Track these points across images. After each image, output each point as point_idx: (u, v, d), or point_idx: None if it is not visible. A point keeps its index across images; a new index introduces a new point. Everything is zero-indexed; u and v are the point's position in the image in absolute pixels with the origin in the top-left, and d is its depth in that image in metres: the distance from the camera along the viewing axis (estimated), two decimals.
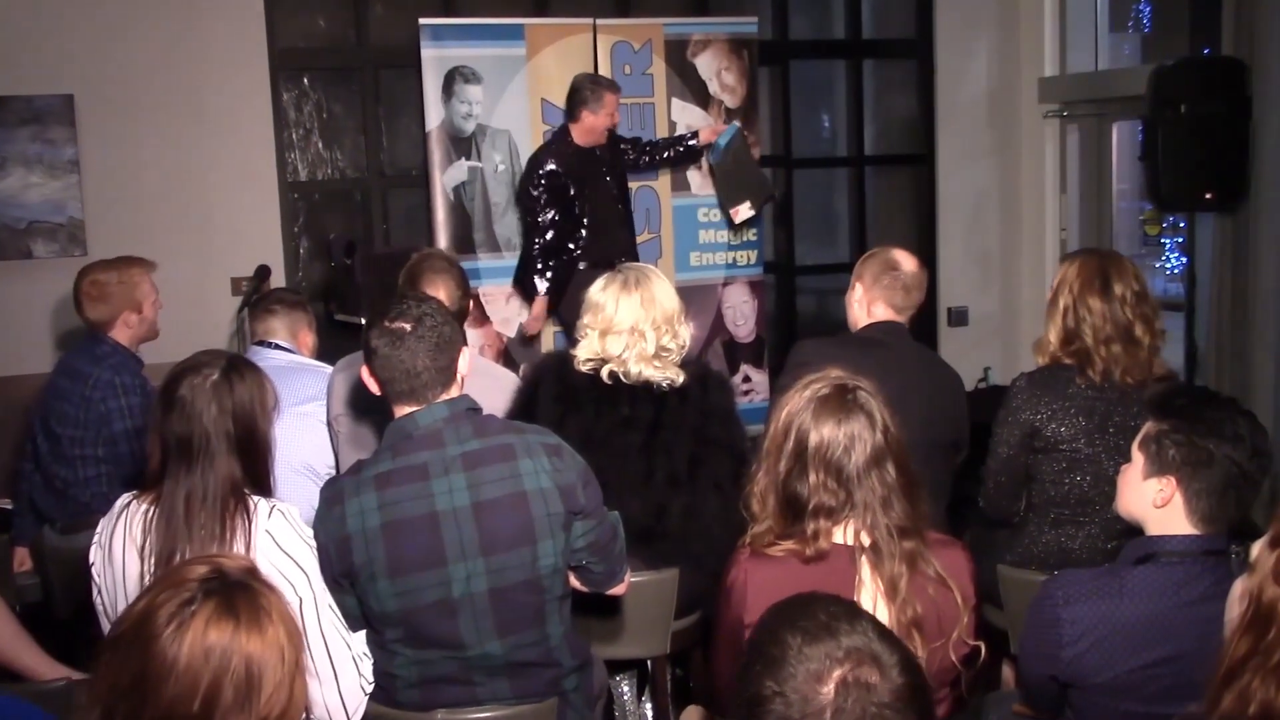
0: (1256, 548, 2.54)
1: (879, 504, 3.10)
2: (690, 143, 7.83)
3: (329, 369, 4.87)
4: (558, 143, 7.38)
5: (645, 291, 4.41)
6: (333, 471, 4.62)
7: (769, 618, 2.08)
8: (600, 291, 4.48)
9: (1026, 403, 4.42)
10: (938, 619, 3.08)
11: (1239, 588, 2.72)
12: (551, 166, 7.23)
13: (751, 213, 7.95)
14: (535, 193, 7.26)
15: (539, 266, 7.38)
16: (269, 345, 5.07)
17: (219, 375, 3.43)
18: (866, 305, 4.79)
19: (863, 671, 1.92)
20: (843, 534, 3.13)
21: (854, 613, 2.03)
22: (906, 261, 4.78)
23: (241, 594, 2.24)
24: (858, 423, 3.11)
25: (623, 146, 7.66)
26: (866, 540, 3.10)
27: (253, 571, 2.32)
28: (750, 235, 8.42)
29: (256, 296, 5.40)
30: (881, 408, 3.16)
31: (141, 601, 2.24)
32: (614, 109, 7.27)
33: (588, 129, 7.29)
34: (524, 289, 7.61)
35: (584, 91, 7.28)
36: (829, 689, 1.91)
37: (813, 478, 3.11)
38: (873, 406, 3.15)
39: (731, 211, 7.98)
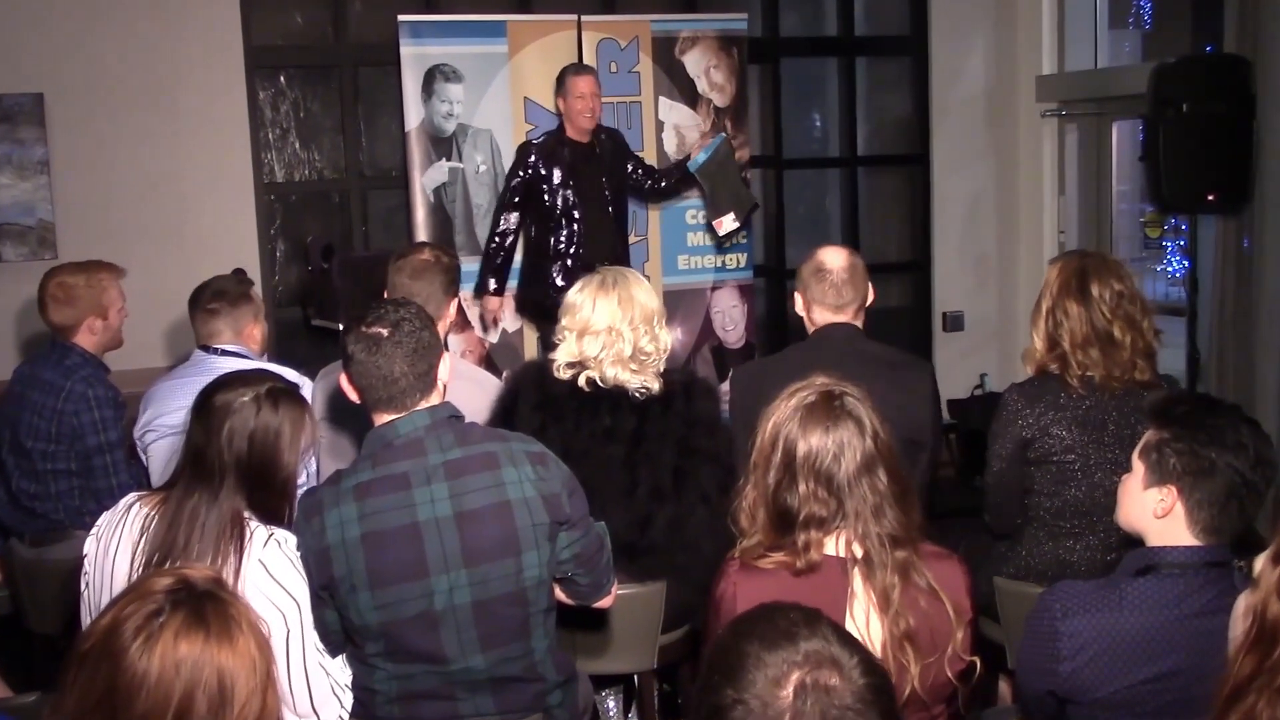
0: (1260, 562, 2.53)
1: (871, 512, 3.10)
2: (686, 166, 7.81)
3: (291, 374, 4.84)
4: (547, 136, 7.39)
5: (623, 291, 4.42)
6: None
7: (727, 631, 2.09)
8: (577, 293, 4.49)
9: (1017, 414, 4.43)
10: (930, 632, 3.08)
11: (1242, 604, 2.71)
12: (532, 159, 7.27)
13: (736, 225, 7.90)
14: (510, 184, 7.35)
15: (496, 263, 7.40)
16: (213, 351, 4.96)
17: (251, 398, 3.40)
18: (807, 312, 4.82)
19: (822, 674, 1.93)
20: (834, 545, 3.13)
21: (813, 618, 2.04)
22: (833, 258, 4.75)
23: (210, 604, 2.24)
24: (846, 430, 3.11)
25: (633, 169, 7.66)
26: (859, 551, 3.10)
27: (219, 582, 2.33)
28: (740, 238, 8.40)
29: (195, 288, 5.13)
30: (870, 413, 3.16)
31: (107, 615, 2.24)
32: (586, 91, 7.26)
33: (568, 118, 7.33)
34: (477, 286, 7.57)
35: (559, 79, 7.36)
36: (788, 692, 1.92)
37: (802, 488, 3.11)
38: (861, 412, 3.15)
39: (715, 223, 7.93)
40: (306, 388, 4.85)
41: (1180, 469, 3.12)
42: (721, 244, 8.29)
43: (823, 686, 1.92)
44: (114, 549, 3.43)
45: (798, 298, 4.86)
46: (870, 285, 4.81)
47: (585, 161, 7.34)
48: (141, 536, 3.37)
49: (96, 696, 2.17)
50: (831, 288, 4.70)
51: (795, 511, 3.12)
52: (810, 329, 4.83)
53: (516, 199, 7.30)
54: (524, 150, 7.36)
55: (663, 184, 7.79)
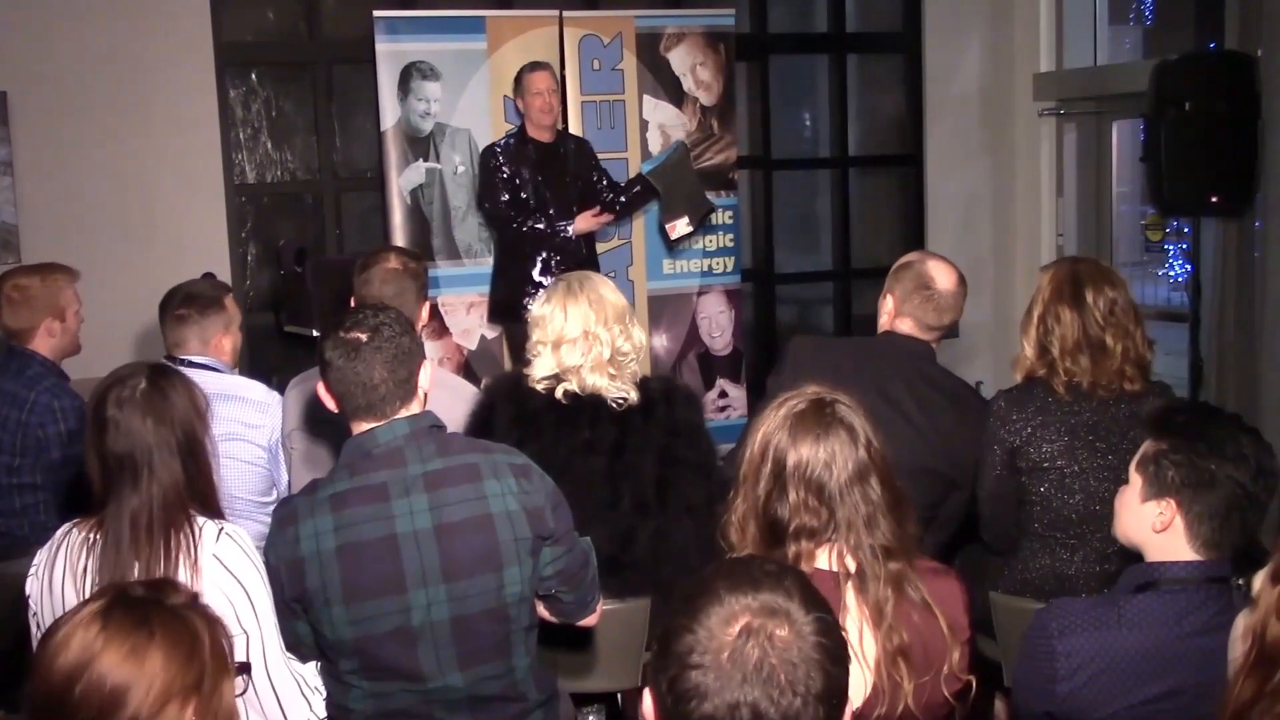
0: (1258, 581, 2.53)
1: (863, 523, 3.09)
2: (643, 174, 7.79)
3: (260, 390, 4.83)
4: (510, 139, 7.40)
5: (591, 293, 4.42)
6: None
7: (708, 571, 2.16)
8: (544, 305, 4.47)
9: (1004, 423, 4.44)
10: (924, 648, 3.08)
11: (1241, 625, 2.71)
12: (494, 164, 7.30)
13: (689, 229, 7.84)
14: (493, 181, 7.32)
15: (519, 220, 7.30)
16: (178, 363, 4.78)
17: (147, 384, 3.40)
18: (892, 321, 4.70)
19: (771, 622, 2.00)
20: (826, 558, 3.13)
21: (783, 574, 2.11)
22: (943, 278, 4.64)
23: (134, 607, 2.27)
24: (837, 438, 3.11)
25: (598, 179, 7.63)
26: (851, 564, 3.10)
27: (181, 597, 2.35)
28: (727, 241, 8.42)
29: (168, 292, 5.05)
30: (863, 421, 3.16)
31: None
32: (543, 88, 7.27)
33: (528, 116, 7.34)
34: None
35: (516, 79, 7.41)
36: (733, 631, 1.99)
37: (793, 497, 3.10)
38: (853, 420, 3.14)
39: (668, 227, 7.84)
40: (277, 404, 4.85)
41: (1179, 481, 3.13)
42: (673, 247, 8.22)
43: (768, 633, 1.98)
44: (59, 580, 3.41)
45: (887, 297, 4.72)
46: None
47: (551, 160, 7.36)
48: (83, 558, 3.36)
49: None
50: (934, 310, 4.64)
51: (786, 523, 3.12)
52: (883, 329, 4.75)
53: (505, 196, 7.27)
54: (487, 155, 7.37)
55: (623, 198, 7.71)
